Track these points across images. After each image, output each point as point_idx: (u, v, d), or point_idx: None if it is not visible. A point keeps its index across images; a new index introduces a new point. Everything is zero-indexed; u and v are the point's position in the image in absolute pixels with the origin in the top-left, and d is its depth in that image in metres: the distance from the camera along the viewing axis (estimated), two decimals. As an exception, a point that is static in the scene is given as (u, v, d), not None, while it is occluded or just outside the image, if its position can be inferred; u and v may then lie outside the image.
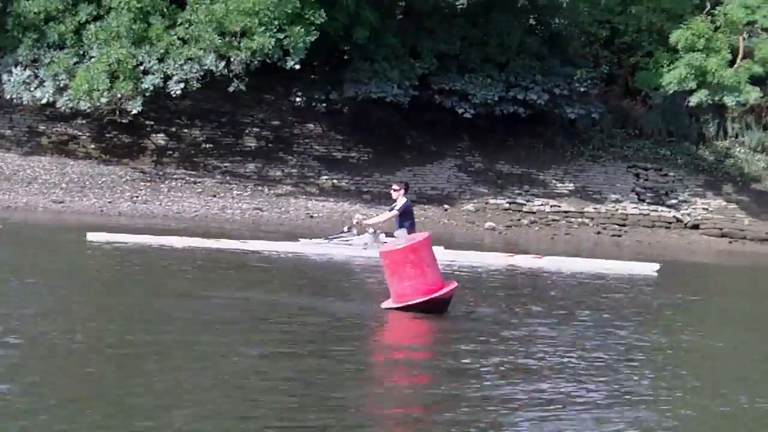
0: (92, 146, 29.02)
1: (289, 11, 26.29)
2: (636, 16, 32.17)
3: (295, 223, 25.00)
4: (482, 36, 30.30)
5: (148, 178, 27.56)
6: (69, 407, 5.91)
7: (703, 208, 29.89)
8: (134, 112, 27.21)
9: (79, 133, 29.24)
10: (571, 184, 30.00)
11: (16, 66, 27.80)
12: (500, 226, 27.61)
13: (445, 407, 6.51)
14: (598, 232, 28.52)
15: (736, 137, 32.29)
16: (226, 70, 26.91)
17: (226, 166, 28.90)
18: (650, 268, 16.67)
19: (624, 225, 29.11)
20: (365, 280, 13.53)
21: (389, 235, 16.68)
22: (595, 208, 29.34)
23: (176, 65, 26.77)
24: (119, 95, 26.70)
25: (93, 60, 26.97)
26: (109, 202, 25.37)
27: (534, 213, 28.85)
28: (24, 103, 27.81)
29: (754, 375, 8.48)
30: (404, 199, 17.12)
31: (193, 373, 6.93)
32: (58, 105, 27.52)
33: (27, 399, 6.03)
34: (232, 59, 26.61)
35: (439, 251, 16.75)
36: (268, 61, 26.84)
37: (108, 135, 29.34)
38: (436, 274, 10.13)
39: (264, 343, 8.29)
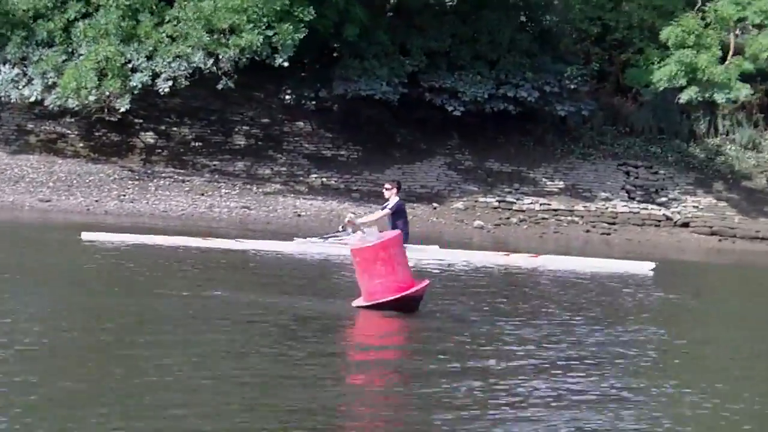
0: (81, 145, 28.94)
1: (278, 8, 26.21)
2: (627, 12, 32.08)
3: (283, 222, 24.94)
4: (472, 33, 30.20)
5: (137, 177, 27.48)
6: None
7: (693, 206, 29.81)
8: (123, 110, 27.14)
9: (68, 132, 29.16)
10: (561, 182, 29.92)
11: (4, 64, 27.75)
12: (489, 224, 27.54)
13: (414, 408, 6.43)
14: (588, 231, 28.44)
15: (727, 135, 32.19)
16: (214, 68, 26.82)
17: (215, 165, 28.82)
18: (646, 267, 16.64)
19: (614, 223, 29.03)
20: (345, 278, 13.45)
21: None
22: (584, 206, 29.26)
23: (164, 63, 26.69)
24: (107, 93, 26.61)
25: (81, 58, 26.90)
26: (96, 200, 25.29)
27: (524, 211, 28.76)
28: (12, 101, 27.75)
29: (745, 373, 8.43)
30: (396, 198, 17.13)
31: (149, 372, 6.85)
32: (46, 103, 27.46)
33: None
34: (220, 57, 26.52)
35: (434, 250, 16.78)
36: (257, 58, 26.74)
37: (97, 133, 29.26)
38: (407, 272, 10.07)
39: (232, 342, 8.21)
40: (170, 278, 12.24)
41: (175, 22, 26.92)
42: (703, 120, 32.07)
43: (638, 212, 29.43)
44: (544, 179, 29.98)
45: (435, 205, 28.34)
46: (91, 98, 26.63)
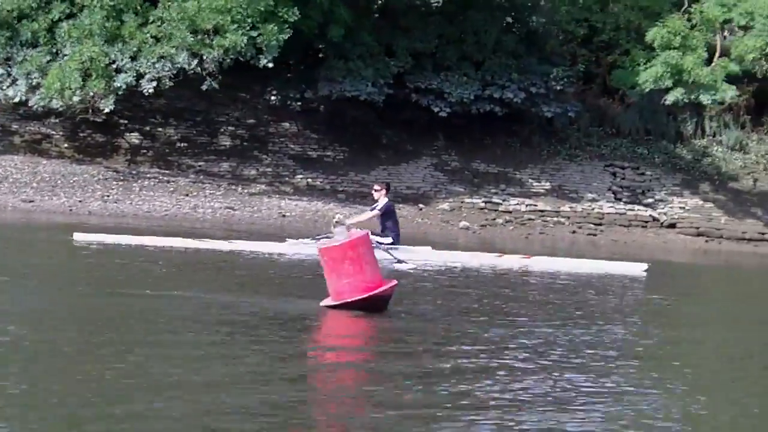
0: (65, 145, 28.85)
1: (262, 9, 26.11)
2: (614, 14, 32.06)
3: (267, 223, 24.86)
4: (458, 34, 30.15)
5: (121, 177, 27.38)
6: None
7: (680, 207, 29.78)
8: (107, 110, 27.06)
9: (53, 132, 29.07)
10: (548, 183, 29.87)
11: (-12, 64, 27.67)
12: (475, 225, 27.48)
13: (379, 410, 6.35)
14: (574, 232, 28.39)
15: (714, 136, 32.17)
16: (199, 69, 26.74)
17: (200, 165, 28.74)
18: (639, 269, 16.62)
19: (600, 224, 28.99)
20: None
21: (375, 233, 16.59)
22: (571, 207, 29.21)
23: (149, 63, 26.60)
24: (92, 94, 26.52)
25: (66, 58, 26.81)
26: (80, 201, 25.18)
27: (510, 212, 28.71)
28: (-3, 101, 27.69)
29: (737, 374, 8.38)
30: (386, 200, 17.11)
31: (121, 372, 6.77)
32: (30, 104, 27.36)
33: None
34: (204, 57, 26.44)
35: (426, 251, 16.71)
36: (242, 59, 26.67)
37: (81, 134, 29.17)
38: (376, 272, 10.00)
39: (196, 344, 8.11)
40: (149, 278, 12.14)
41: (159, 23, 26.83)
42: (690, 121, 32.06)
43: (625, 213, 29.40)
44: (530, 180, 29.93)
45: (421, 206, 28.28)
46: (76, 99, 26.54)
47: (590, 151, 31.21)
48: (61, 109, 27.36)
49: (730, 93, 28.94)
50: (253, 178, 28.57)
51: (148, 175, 27.74)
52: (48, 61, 27.13)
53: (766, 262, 25.55)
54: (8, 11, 27.55)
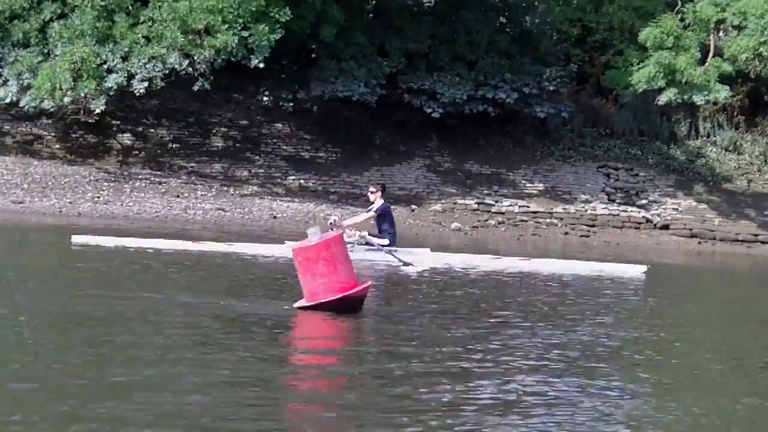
0: (57, 146, 28.78)
1: (254, 9, 26.04)
2: (608, 14, 31.98)
3: (258, 224, 24.76)
4: (451, 34, 30.07)
5: (113, 179, 27.31)
6: None
7: (674, 209, 29.69)
8: (98, 111, 27.01)
9: (44, 133, 29.01)
10: (541, 184, 29.79)
11: (-21, 65, 27.61)
12: (466, 226, 27.40)
13: (352, 415, 6.27)
14: (566, 233, 28.30)
15: (708, 137, 32.10)
16: (190, 69, 26.68)
17: (192, 167, 28.66)
18: (638, 270, 16.60)
19: (593, 225, 28.90)
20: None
21: (372, 234, 16.53)
22: (564, 209, 29.12)
23: (140, 64, 26.53)
24: (83, 94, 26.45)
25: (57, 58, 26.74)
26: (70, 202, 25.10)
27: (503, 213, 28.61)
28: (-12, 102, 27.61)
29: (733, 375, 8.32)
30: (381, 201, 17.04)
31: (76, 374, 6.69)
32: (21, 104, 27.29)
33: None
34: (195, 58, 26.37)
35: (425, 253, 16.62)
36: (233, 59, 26.60)
37: (73, 135, 29.11)
38: (350, 273, 9.92)
39: (165, 347, 8.02)
40: (128, 281, 12.04)
41: (150, 23, 26.76)
42: (683, 122, 31.99)
43: (618, 214, 29.30)
44: (523, 181, 29.84)
45: (413, 207, 28.19)
46: (67, 99, 26.49)
47: (584, 152, 31.13)
48: (52, 109, 27.30)
49: (723, 93, 28.84)
50: (245, 179, 28.49)
51: (140, 176, 27.66)
52: (39, 62, 27.06)
53: (760, 263, 25.48)
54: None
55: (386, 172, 29.28)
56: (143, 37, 26.68)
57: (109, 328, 8.68)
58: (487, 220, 28.23)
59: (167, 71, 26.54)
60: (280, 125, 30.45)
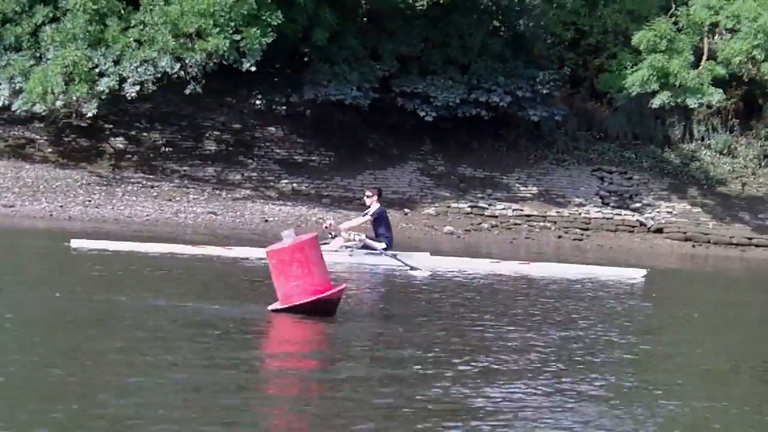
0: (50, 150, 28.72)
1: (245, 12, 25.99)
2: (602, 17, 31.91)
3: (250, 228, 24.70)
4: (444, 38, 30.02)
5: (105, 182, 27.24)
6: None
7: (668, 212, 29.61)
8: (90, 114, 26.96)
9: (37, 137, 28.95)
10: (535, 188, 29.72)
11: (-28, 69, 27.54)
12: (459, 230, 27.32)
13: (326, 419, 6.20)
14: (560, 236, 28.22)
15: (702, 140, 32.03)
16: (182, 72, 26.62)
17: (184, 170, 28.59)
18: (637, 274, 16.61)
19: (587, 229, 28.81)
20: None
21: (369, 238, 16.48)
22: (557, 212, 29.04)
23: (131, 67, 26.47)
24: (75, 98, 26.39)
25: (48, 62, 26.69)
26: (61, 206, 25.03)
27: (496, 217, 28.54)
28: (-20, 106, 27.55)
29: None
30: (377, 205, 17.02)
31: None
32: (13, 108, 27.24)
33: None
34: (187, 61, 26.31)
35: (424, 257, 16.55)
36: (225, 62, 26.55)
37: (66, 139, 29.06)
38: (324, 275, 9.86)
39: (140, 350, 7.95)
40: (119, 284, 11.99)
41: (141, 27, 26.70)
42: (678, 125, 31.92)
43: (612, 218, 29.22)
44: (517, 185, 29.77)
45: (406, 210, 28.11)
46: (59, 103, 26.43)
47: (578, 156, 31.06)
48: (44, 113, 27.25)
49: (716, 96, 28.77)
50: (238, 183, 28.43)
51: (132, 180, 27.61)
52: (31, 66, 27.01)
53: (754, 267, 25.41)
54: (-8, 16, 27.49)
55: (379, 176, 29.22)
56: (135, 40, 26.63)
57: (86, 331, 8.63)
58: (480, 223, 28.16)
59: (159, 75, 26.49)
60: (272, 129, 30.39)
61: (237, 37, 26.08)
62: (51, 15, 27.47)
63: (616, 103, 31.27)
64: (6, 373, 6.78)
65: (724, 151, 31.74)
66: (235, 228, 24.43)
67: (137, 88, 26.58)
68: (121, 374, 6.94)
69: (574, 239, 28.11)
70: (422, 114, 29.10)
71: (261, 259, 15.62)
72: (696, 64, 29.36)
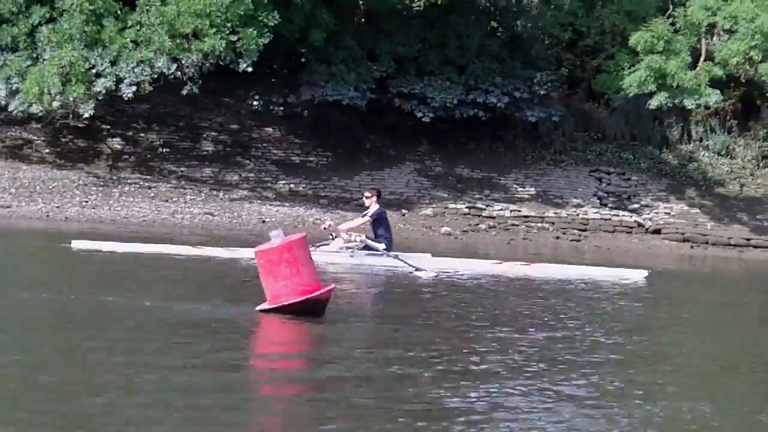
0: (47, 151, 28.71)
1: (242, 13, 25.96)
2: (599, 18, 31.87)
3: (247, 228, 24.67)
4: (441, 38, 29.98)
5: (101, 183, 27.23)
6: None
7: (666, 213, 29.56)
8: (86, 115, 26.94)
9: (34, 138, 28.93)
10: (532, 189, 29.68)
11: (-31, 70, 27.53)
12: (456, 231, 27.29)
13: (312, 421, 6.18)
14: (557, 237, 28.17)
15: (701, 141, 31.98)
16: (179, 73, 26.60)
17: (182, 171, 28.57)
18: (639, 275, 16.58)
19: (584, 230, 28.76)
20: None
21: (368, 238, 16.46)
22: (555, 213, 29.00)
23: (128, 68, 26.45)
24: (71, 98, 26.38)
25: (45, 62, 26.68)
26: (57, 207, 25.02)
27: (493, 218, 28.50)
28: (-23, 107, 27.56)
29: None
30: (377, 206, 17.00)
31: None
32: (10, 108, 27.23)
33: None
34: (183, 62, 26.29)
35: (426, 258, 16.51)
36: (221, 63, 26.53)
37: (63, 139, 29.05)
38: (313, 275, 9.83)
39: (126, 351, 7.93)
40: (116, 284, 11.96)
41: (138, 27, 26.68)
42: (676, 126, 31.88)
43: (609, 219, 29.17)
44: (514, 185, 29.73)
45: (404, 211, 28.07)
46: (55, 104, 26.41)
47: (575, 156, 31.02)
48: (40, 114, 27.24)
49: (714, 97, 28.73)
50: (236, 184, 28.40)
51: (129, 181, 27.59)
52: (28, 66, 26.99)
53: (752, 268, 25.36)
54: (-11, 16, 27.48)
55: (377, 177, 29.19)
56: (131, 41, 26.61)
57: (75, 331, 8.61)
58: (477, 224, 28.12)
59: (155, 75, 26.45)
60: (270, 129, 30.37)
61: (233, 38, 26.05)
62: (48, 15, 27.46)
63: (614, 104, 31.23)
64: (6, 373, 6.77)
65: (723, 152, 31.69)
66: (232, 229, 24.42)
67: (134, 88, 26.56)
68: (112, 374, 6.92)
69: (572, 240, 28.07)
70: (419, 115, 29.07)
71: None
72: (693, 65, 29.33)
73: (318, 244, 16.66)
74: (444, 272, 15.69)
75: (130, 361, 7.43)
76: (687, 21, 29.23)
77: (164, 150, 29.23)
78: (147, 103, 29.31)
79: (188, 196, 27.02)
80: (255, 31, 26.03)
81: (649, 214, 29.50)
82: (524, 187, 29.66)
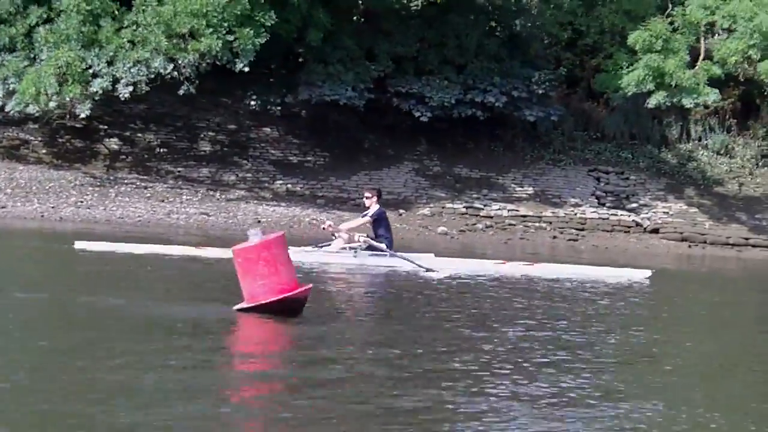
0: (44, 151, 28.64)
1: (238, 13, 25.89)
2: (598, 17, 31.81)
3: (242, 228, 24.52)
4: (440, 38, 29.91)
5: (98, 183, 27.16)
6: None
7: (664, 212, 29.49)
8: (83, 115, 26.87)
9: (31, 138, 28.87)
10: (531, 188, 29.60)
11: (-34, 70, 27.47)
12: (453, 230, 27.20)
13: (312, 421, 6.09)
14: (555, 237, 28.09)
15: (700, 140, 31.92)
16: (176, 73, 26.52)
17: (179, 171, 28.50)
18: (643, 275, 16.50)
19: (582, 229, 28.68)
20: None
21: (369, 238, 16.39)
22: (553, 212, 28.92)
23: (125, 68, 26.38)
24: (68, 99, 26.30)
25: (42, 63, 26.61)
26: (52, 207, 24.96)
27: (491, 217, 28.42)
28: (-26, 108, 27.49)
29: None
30: (377, 206, 16.92)
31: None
32: (6, 109, 27.17)
33: None
34: (180, 62, 26.22)
35: (429, 258, 16.42)
36: (218, 63, 26.46)
37: (60, 140, 28.98)
38: (291, 275, 9.74)
39: (107, 351, 7.84)
40: (112, 285, 11.88)
41: (134, 27, 26.60)
42: (675, 125, 31.81)
43: (608, 218, 29.09)
44: (513, 185, 29.66)
45: (401, 211, 27.99)
46: (52, 104, 26.36)
47: (574, 156, 30.95)
48: (37, 114, 27.19)
49: (712, 96, 28.66)
50: (233, 184, 28.33)
51: (126, 181, 27.52)
52: (25, 66, 26.94)
53: (751, 267, 25.28)
54: (-14, 17, 27.42)
55: (375, 176, 29.11)
56: (128, 41, 26.54)
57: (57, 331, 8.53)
58: (475, 224, 28.04)
59: (152, 75, 26.39)
60: (268, 129, 30.30)
61: (230, 38, 25.98)
62: (45, 16, 27.40)
63: (613, 103, 31.18)
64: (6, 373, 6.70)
65: (722, 151, 31.63)
66: (227, 229, 24.34)
67: (131, 88, 26.50)
68: (112, 374, 6.85)
69: (569, 239, 27.98)
70: (418, 114, 29.00)
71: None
72: (692, 64, 29.26)
73: (321, 244, 16.61)
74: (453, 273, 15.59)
75: (130, 361, 7.36)
76: (686, 20, 29.17)
77: (161, 150, 29.16)
78: (144, 104, 29.24)
79: (185, 197, 26.95)
80: (252, 31, 25.95)
81: (647, 213, 29.43)
82: (522, 187, 29.59)
